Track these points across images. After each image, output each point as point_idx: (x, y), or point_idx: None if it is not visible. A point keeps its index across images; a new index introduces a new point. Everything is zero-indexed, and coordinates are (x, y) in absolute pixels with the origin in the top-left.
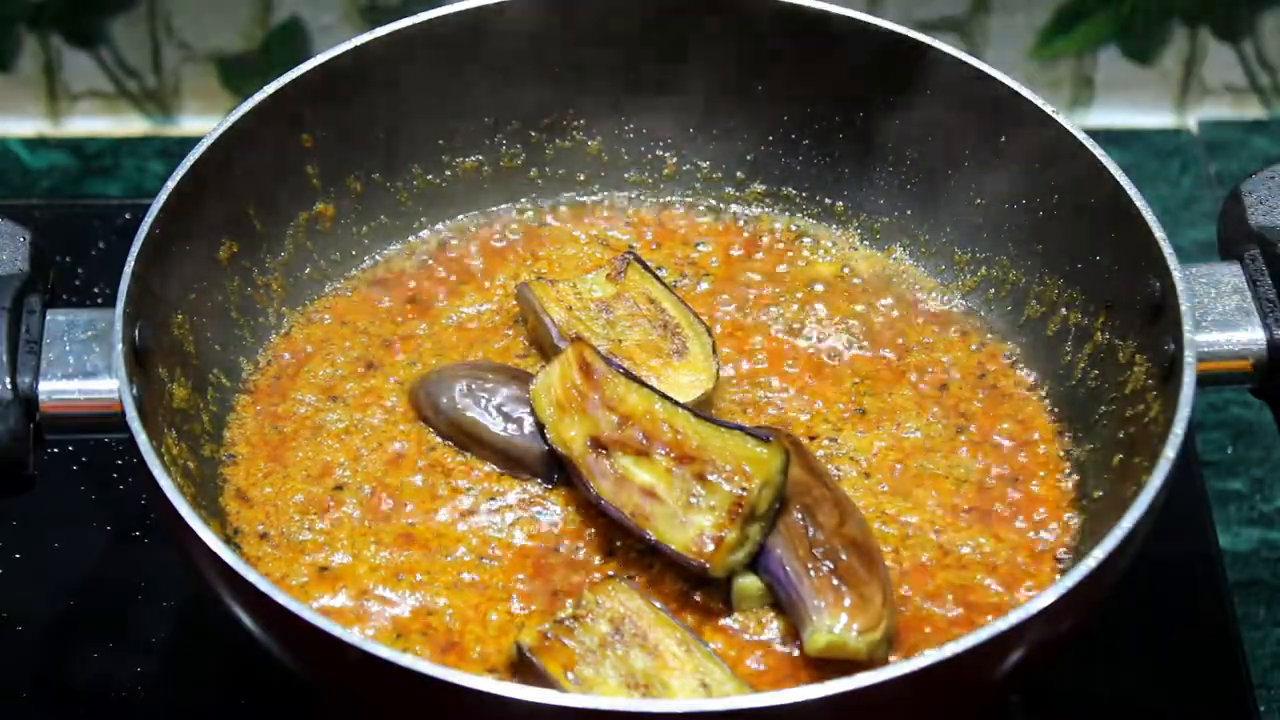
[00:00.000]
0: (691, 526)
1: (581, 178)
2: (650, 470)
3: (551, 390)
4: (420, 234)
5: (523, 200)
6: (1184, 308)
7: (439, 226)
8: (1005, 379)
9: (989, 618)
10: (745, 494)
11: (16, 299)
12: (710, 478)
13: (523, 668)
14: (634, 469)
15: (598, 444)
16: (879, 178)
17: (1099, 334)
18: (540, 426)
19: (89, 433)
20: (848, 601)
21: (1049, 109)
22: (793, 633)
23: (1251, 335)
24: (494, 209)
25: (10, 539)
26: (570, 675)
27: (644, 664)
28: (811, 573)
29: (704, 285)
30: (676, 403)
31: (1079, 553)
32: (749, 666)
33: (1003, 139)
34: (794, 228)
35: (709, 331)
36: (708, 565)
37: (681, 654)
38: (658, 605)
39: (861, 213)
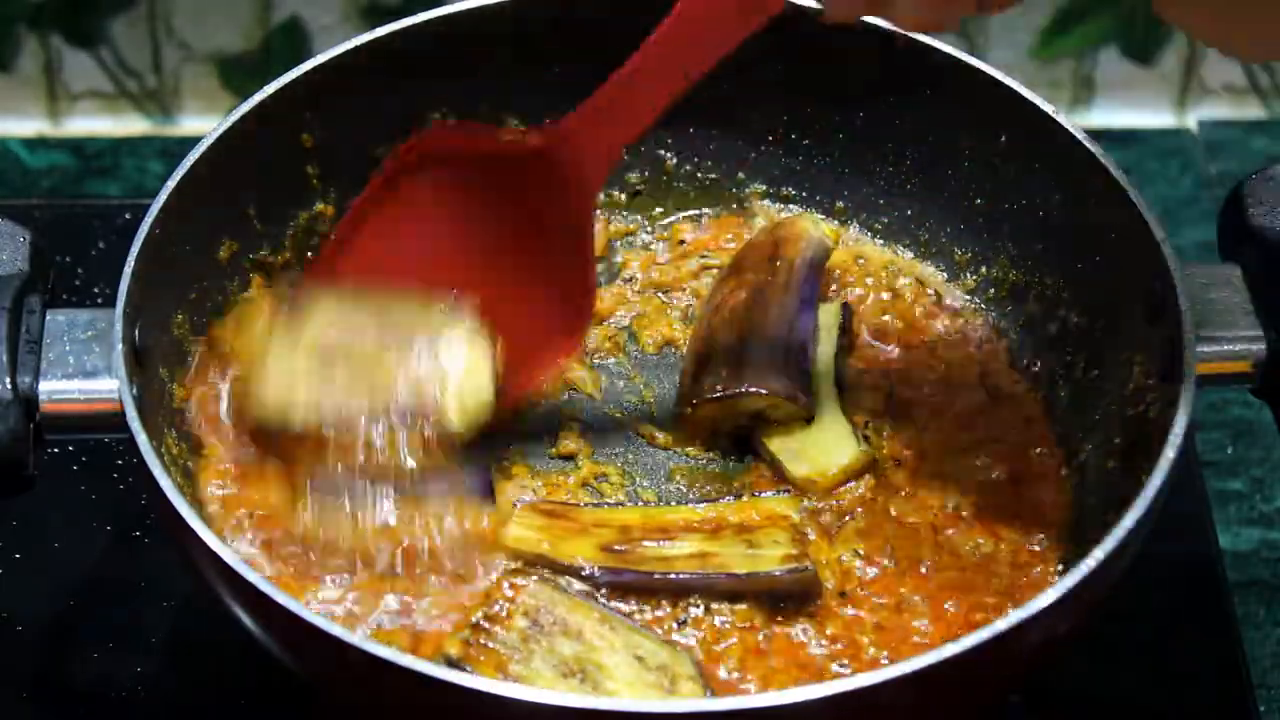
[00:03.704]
0: (767, 559)
1: None
2: (690, 541)
3: (525, 540)
4: None
5: None
6: (1184, 308)
7: None
8: (1005, 379)
9: (989, 618)
10: (798, 525)
11: (16, 299)
12: (755, 535)
13: None
14: (669, 548)
15: (611, 550)
16: (879, 178)
17: (1099, 334)
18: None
19: (89, 433)
20: None
21: (1049, 109)
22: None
23: (1251, 335)
24: None
25: (10, 539)
26: (505, 677)
27: (572, 650)
28: None
29: (706, 284)
30: (672, 505)
31: (1079, 553)
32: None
33: (1003, 139)
34: None
35: None
36: (809, 566)
37: (606, 632)
38: (570, 589)
39: (862, 213)
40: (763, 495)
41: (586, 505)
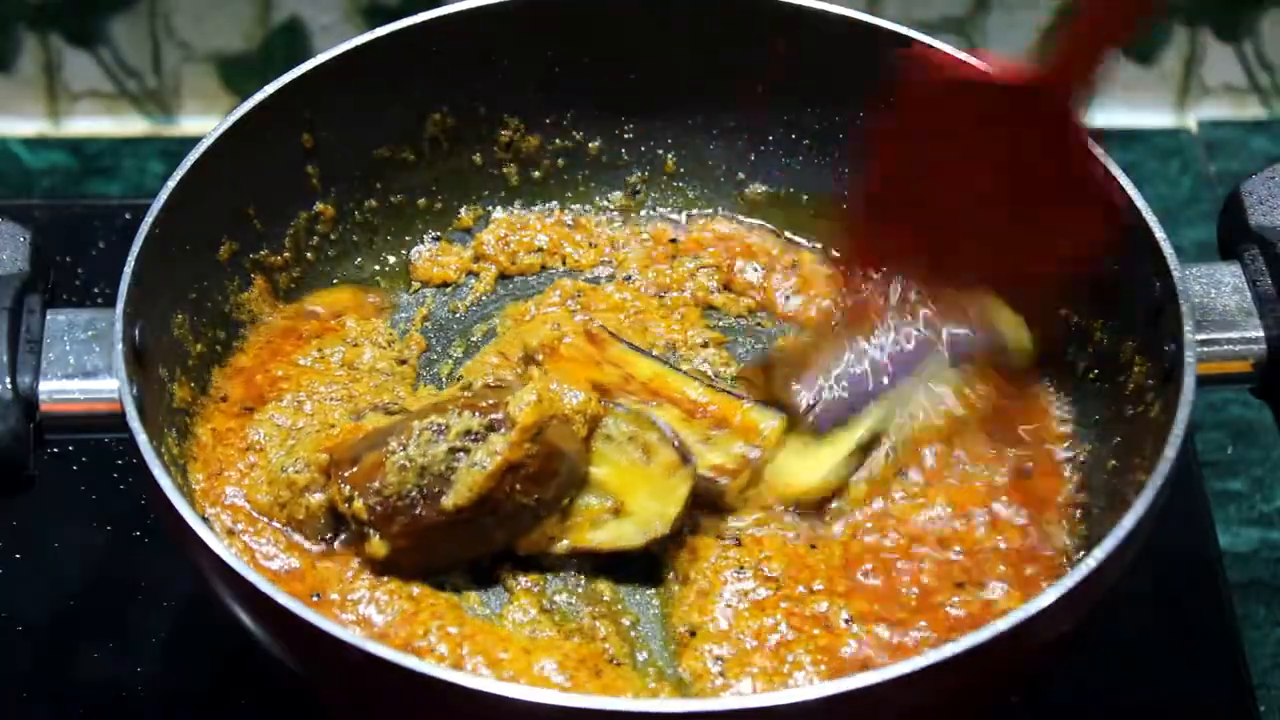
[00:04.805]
0: (710, 456)
1: (581, 177)
2: (667, 413)
3: (541, 342)
4: (421, 234)
5: (523, 200)
6: (1184, 308)
7: (439, 228)
8: (1005, 379)
9: (990, 618)
10: (758, 456)
11: (16, 299)
12: (718, 435)
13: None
14: (646, 408)
15: (602, 389)
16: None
17: (1099, 334)
18: (530, 358)
19: (89, 433)
20: None
21: None
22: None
23: (1251, 335)
24: (495, 209)
25: (10, 539)
26: None
27: None
28: None
29: (704, 284)
30: (684, 371)
31: (1080, 553)
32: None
33: None
34: (795, 227)
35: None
36: (721, 481)
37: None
38: None
39: None
40: (754, 404)
41: (627, 344)
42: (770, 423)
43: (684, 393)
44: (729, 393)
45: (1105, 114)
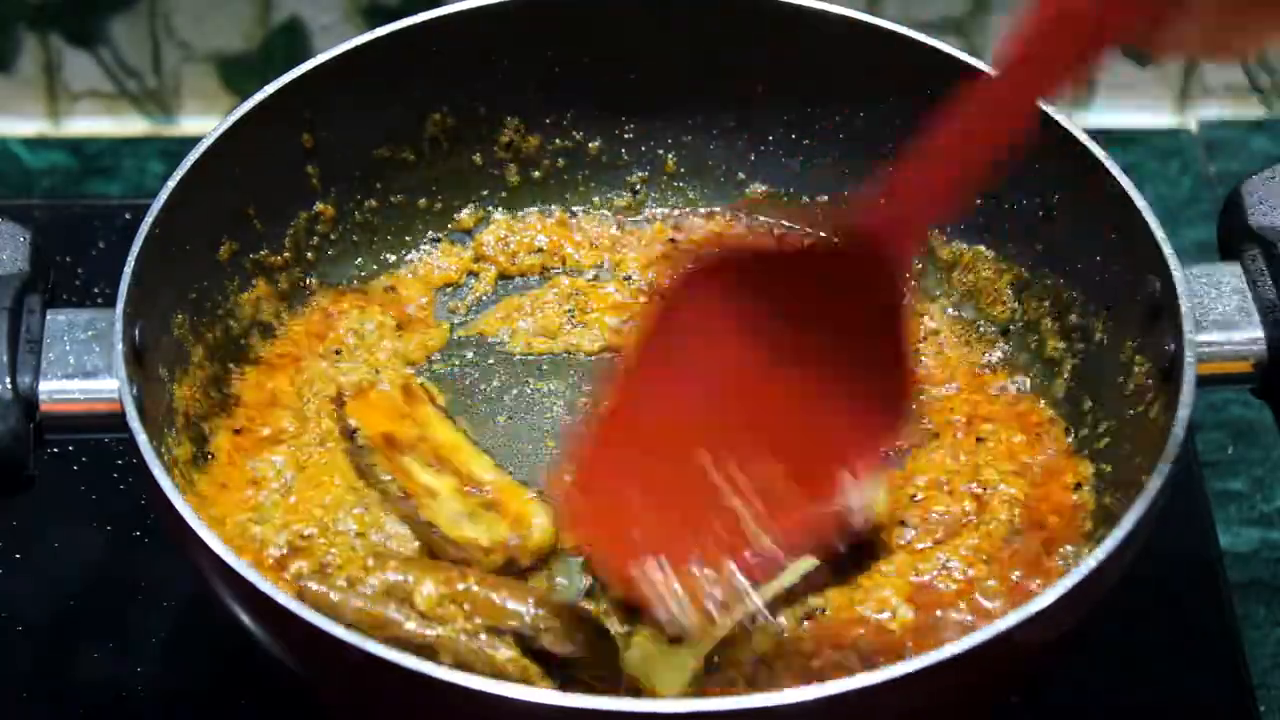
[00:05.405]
0: (469, 529)
1: (581, 177)
2: (436, 479)
3: (353, 383)
4: (421, 234)
5: (523, 200)
6: (1184, 308)
7: (439, 228)
8: (1005, 379)
9: (990, 619)
10: (518, 543)
11: (16, 299)
12: (494, 513)
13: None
14: (419, 472)
15: (391, 442)
16: (879, 178)
17: (1099, 334)
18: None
19: (89, 433)
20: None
21: (1049, 109)
22: None
23: (1251, 335)
24: (495, 209)
25: (10, 539)
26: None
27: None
28: None
29: None
30: (477, 444)
31: (1080, 553)
32: None
33: None
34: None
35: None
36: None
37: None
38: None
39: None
40: (534, 498)
41: (437, 408)
42: (540, 520)
43: (469, 468)
44: (514, 480)
45: (1105, 114)
